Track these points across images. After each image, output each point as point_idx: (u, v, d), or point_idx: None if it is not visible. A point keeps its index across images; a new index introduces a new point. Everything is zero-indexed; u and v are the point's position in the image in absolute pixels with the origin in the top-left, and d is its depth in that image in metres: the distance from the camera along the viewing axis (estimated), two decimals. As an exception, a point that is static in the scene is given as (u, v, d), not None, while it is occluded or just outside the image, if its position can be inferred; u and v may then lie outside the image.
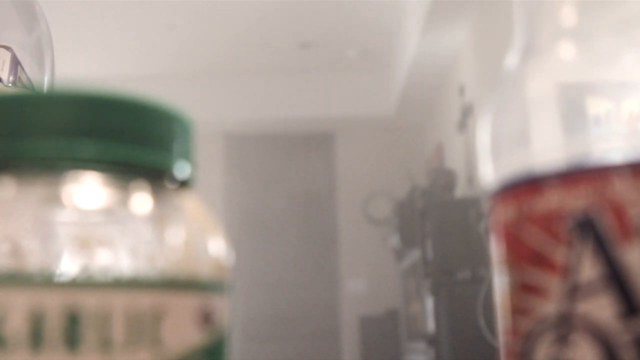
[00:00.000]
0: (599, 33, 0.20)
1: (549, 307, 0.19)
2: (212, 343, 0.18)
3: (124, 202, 0.18)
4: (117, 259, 0.16)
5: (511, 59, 0.22)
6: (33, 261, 0.16)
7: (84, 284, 0.16)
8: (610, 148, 0.18)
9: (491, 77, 2.65)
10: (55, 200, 0.17)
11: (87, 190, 0.17)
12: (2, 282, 0.16)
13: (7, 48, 0.40)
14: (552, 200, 0.19)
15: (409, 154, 4.46)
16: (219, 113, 4.41)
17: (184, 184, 0.20)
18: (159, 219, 0.18)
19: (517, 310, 0.20)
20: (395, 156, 4.51)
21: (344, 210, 4.63)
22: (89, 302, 0.16)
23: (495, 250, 0.21)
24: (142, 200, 0.18)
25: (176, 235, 0.18)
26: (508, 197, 0.20)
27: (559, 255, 0.18)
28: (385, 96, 4.42)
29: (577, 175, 0.18)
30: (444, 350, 2.66)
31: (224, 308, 0.19)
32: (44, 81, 0.43)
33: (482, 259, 2.55)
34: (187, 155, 0.20)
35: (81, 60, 3.91)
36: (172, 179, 0.19)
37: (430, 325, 2.88)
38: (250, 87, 4.42)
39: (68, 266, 0.16)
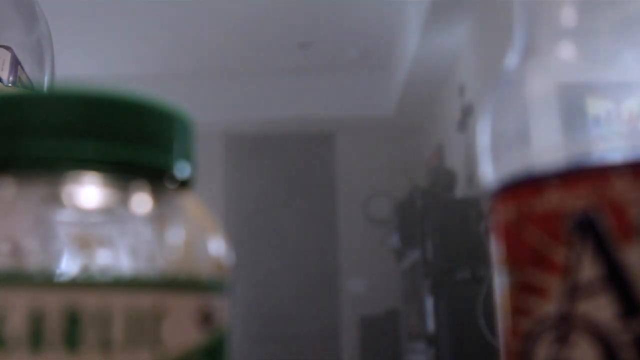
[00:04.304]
0: (599, 33, 0.20)
1: (549, 307, 0.19)
2: (212, 343, 0.18)
3: (124, 202, 0.18)
4: (117, 259, 0.16)
5: (511, 59, 0.22)
6: (33, 261, 0.16)
7: (84, 284, 0.16)
8: (610, 148, 0.18)
9: (491, 77, 2.65)
10: (55, 200, 0.17)
11: (87, 190, 0.17)
12: (2, 282, 0.16)
13: (7, 48, 0.40)
14: (552, 200, 0.19)
15: (409, 154, 4.46)
16: (219, 113, 4.41)
17: (184, 184, 0.20)
18: (159, 219, 0.18)
19: (517, 310, 0.20)
20: (395, 156, 4.51)
21: (344, 210, 4.62)
22: (89, 302, 0.16)
23: (495, 250, 0.21)
24: (142, 200, 0.18)
25: (176, 235, 0.18)
26: (508, 197, 0.20)
27: (559, 255, 0.18)
28: (385, 96, 4.42)
29: (577, 175, 0.18)
30: (444, 350, 2.66)
31: (224, 308, 0.19)
32: (44, 81, 0.43)
33: (482, 259, 2.54)
34: (187, 155, 0.20)
35: (81, 60, 3.90)
36: (172, 179, 0.19)
37: (430, 325, 2.88)
38: (250, 87, 4.42)
39: (68, 266, 0.16)
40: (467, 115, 3.17)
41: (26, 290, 0.16)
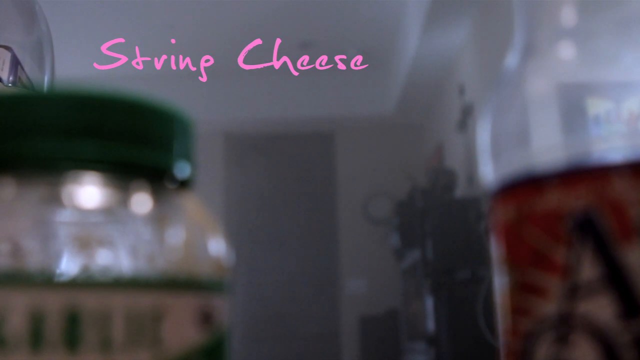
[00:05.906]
0: (599, 33, 0.20)
1: (549, 307, 0.19)
2: (212, 343, 0.18)
3: (124, 202, 0.18)
4: (117, 259, 0.16)
5: (511, 59, 0.22)
6: (33, 261, 0.16)
7: (84, 284, 0.16)
8: (610, 148, 0.18)
9: (491, 77, 2.65)
10: (55, 200, 0.17)
11: (87, 190, 0.17)
12: (2, 282, 0.16)
13: (7, 48, 0.40)
14: (552, 200, 0.19)
15: (409, 154, 4.46)
16: (219, 113, 4.41)
17: (184, 184, 0.20)
18: (159, 219, 0.18)
19: (517, 310, 0.20)
20: (395, 156, 4.51)
21: (344, 210, 4.62)
22: (89, 302, 0.16)
23: (495, 250, 0.21)
24: (142, 200, 0.18)
25: (176, 235, 0.18)
26: (508, 197, 0.20)
27: (559, 255, 0.18)
28: (385, 96, 4.42)
29: (577, 175, 0.18)
30: (444, 350, 2.66)
31: (224, 308, 0.19)
32: (44, 81, 0.43)
33: (482, 259, 2.54)
34: (187, 155, 0.20)
35: (81, 60, 3.90)
36: (172, 179, 0.19)
37: (430, 325, 2.88)
38: (250, 87, 4.42)
39: (68, 266, 0.16)
40: (467, 115, 3.17)
41: (26, 290, 0.16)
